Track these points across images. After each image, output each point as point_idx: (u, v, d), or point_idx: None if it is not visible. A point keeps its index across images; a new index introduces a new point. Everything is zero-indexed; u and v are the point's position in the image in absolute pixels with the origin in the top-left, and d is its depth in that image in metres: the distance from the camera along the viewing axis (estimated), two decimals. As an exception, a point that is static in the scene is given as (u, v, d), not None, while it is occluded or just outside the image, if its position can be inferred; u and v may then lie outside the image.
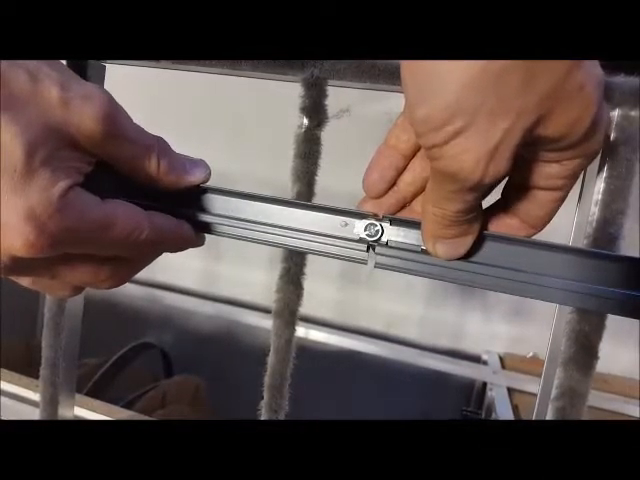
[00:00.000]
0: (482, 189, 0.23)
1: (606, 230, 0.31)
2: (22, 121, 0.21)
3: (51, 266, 0.25)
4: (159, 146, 0.27)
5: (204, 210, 0.29)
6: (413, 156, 0.29)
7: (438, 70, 0.20)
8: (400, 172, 0.30)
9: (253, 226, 0.29)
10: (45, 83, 0.22)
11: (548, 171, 0.25)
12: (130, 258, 0.27)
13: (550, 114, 0.21)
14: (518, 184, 0.27)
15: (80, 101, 0.22)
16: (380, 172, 0.29)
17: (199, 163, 0.29)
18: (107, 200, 0.24)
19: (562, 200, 0.27)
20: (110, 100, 0.24)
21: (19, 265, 0.23)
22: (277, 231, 0.29)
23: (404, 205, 0.30)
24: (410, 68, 0.21)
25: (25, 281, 0.27)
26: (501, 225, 0.28)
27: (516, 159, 0.22)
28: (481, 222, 0.26)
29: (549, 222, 0.28)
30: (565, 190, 0.26)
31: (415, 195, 0.30)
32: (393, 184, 0.30)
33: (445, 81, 0.20)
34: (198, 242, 0.30)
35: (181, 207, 0.29)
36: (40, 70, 0.22)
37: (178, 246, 0.29)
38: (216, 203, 0.29)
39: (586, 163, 0.25)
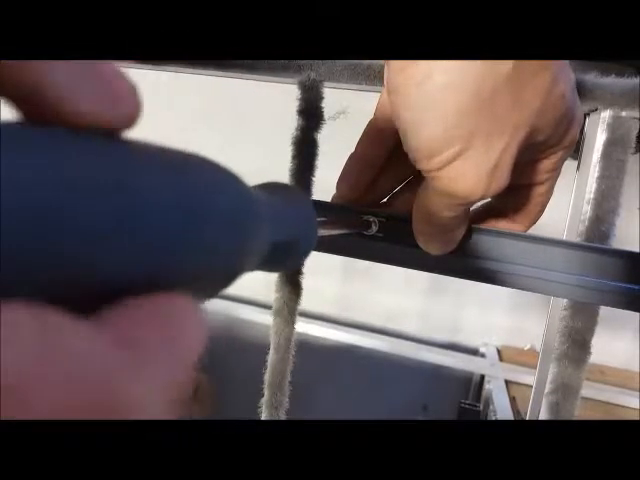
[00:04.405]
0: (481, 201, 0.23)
1: (598, 228, 0.31)
2: None
3: None
4: None
5: None
6: (384, 164, 0.29)
7: (431, 100, 0.20)
8: (371, 180, 0.29)
9: None
10: None
11: (535, 167, 0.26)
12: None
13: (540, 123, 0.22)
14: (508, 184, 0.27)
15: None
16: (351, 183, 0.29)
17: None
18: None
19: (547, 194, 0.27)
20: None
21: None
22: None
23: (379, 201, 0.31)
24: (401, 100, 0.21)
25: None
26: (491, 226, 0.29)
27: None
28: (468, 218, 0.27)
29: (537, 220, 0.29)
30: (550, 182, 0.27)
31: (389, 192, 0.31)
32: (366, 189, 0.30)
33: (439, 111, 0.20)
34: None
35: None
36: None
37: None
38: None
39: (567, 153, 0.26)
